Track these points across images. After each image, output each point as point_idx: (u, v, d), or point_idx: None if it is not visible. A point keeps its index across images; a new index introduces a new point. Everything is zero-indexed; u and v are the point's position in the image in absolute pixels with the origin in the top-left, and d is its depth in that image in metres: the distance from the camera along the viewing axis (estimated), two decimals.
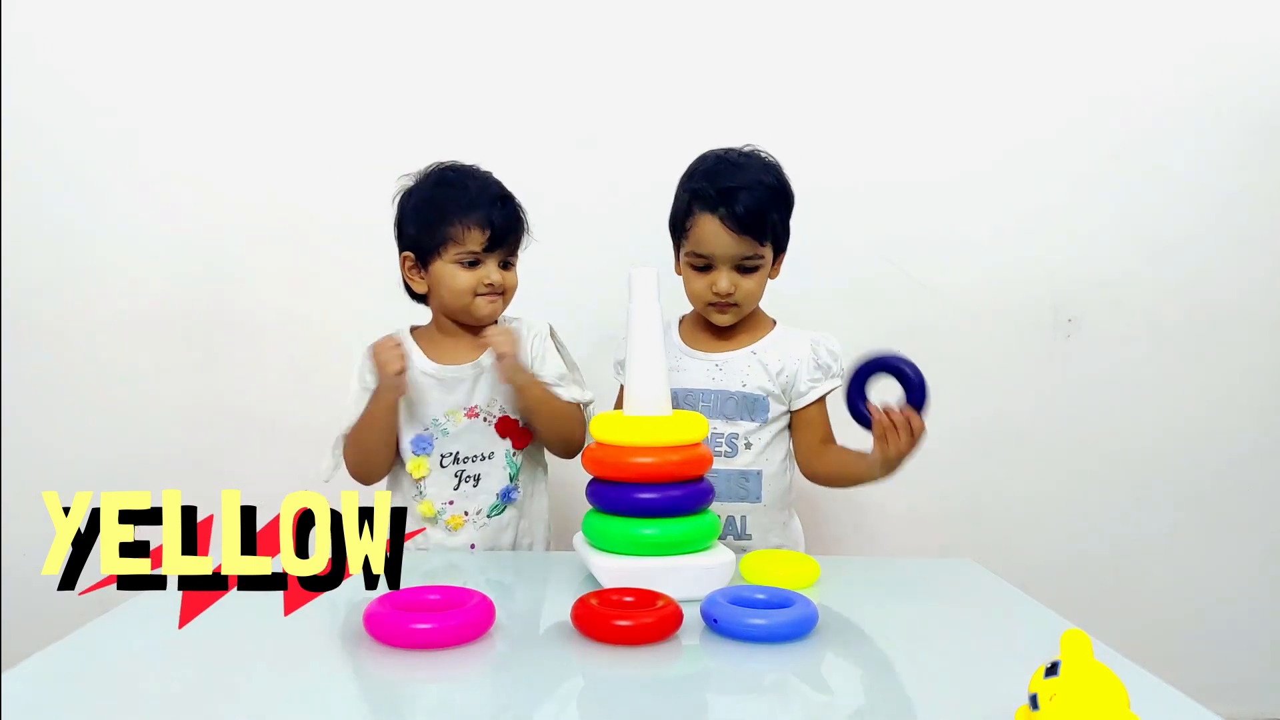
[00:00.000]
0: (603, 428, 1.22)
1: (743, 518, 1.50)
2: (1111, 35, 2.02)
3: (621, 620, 1.01)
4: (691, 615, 1.05)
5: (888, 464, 1.35)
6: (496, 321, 1.52)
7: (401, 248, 1.50)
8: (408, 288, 1.51)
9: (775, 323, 1.55)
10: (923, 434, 1.32)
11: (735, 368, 1.50)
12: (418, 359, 1.48)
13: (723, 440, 1.49)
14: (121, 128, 1.94)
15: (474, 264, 1.45)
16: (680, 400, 1.48)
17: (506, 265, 1.49)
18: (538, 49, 1.96)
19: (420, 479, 1.47)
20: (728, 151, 1.49)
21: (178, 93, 1.94)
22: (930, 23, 2.00)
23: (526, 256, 1.96)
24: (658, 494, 1.17)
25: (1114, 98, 2.03)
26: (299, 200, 1.96)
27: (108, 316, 1.97)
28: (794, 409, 1.51)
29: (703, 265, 1.46)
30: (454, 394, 1.48)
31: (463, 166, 1.51)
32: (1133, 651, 0.98)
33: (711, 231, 1.43)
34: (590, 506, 1.24)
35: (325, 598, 1.22)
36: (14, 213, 1.94)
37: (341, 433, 1.47)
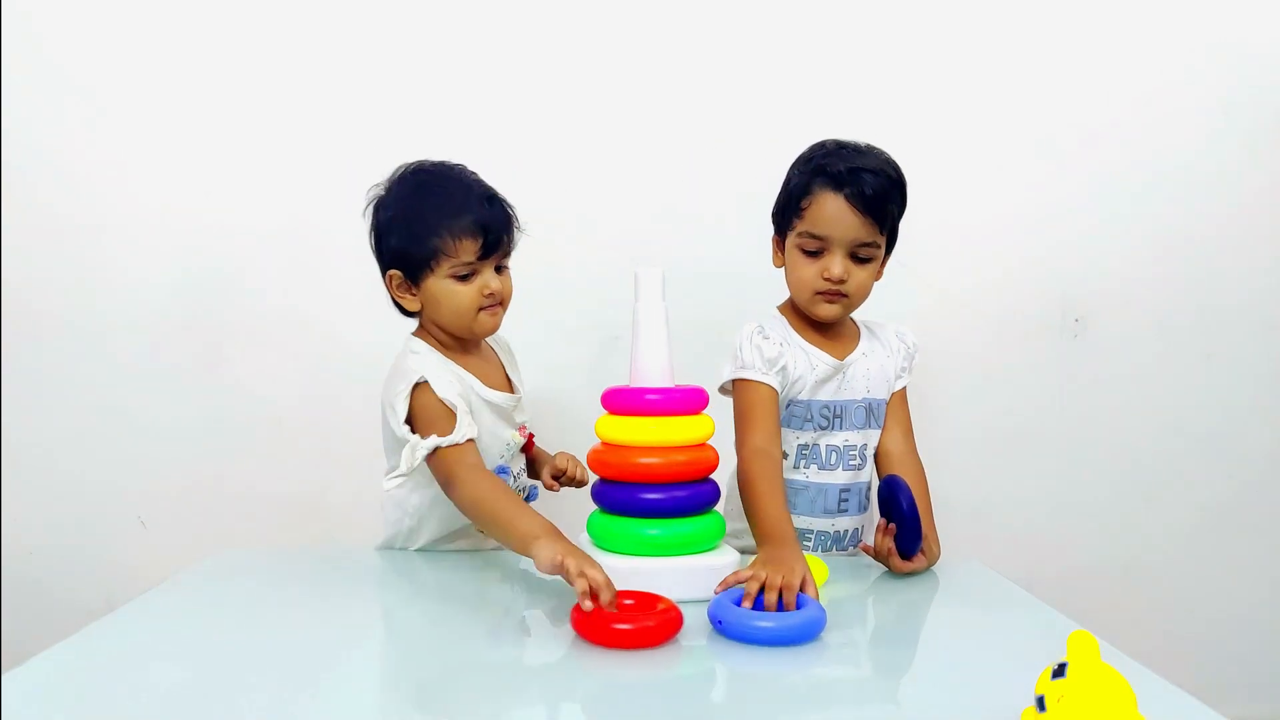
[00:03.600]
0: (609, 428, 1.21)
1: (859, 529, 1.50)
2: (1120, 35, 2.01)
3: (621, 624, 1.00)
4: (699, 617, 1.04)
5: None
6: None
7: (385, 265, 1.39)
8: (397, 304, 1.42)
9: (853, 318, 1.52)
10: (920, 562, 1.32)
11: (856, 374, 1.45)
12: (476, 385, 1.39)
13: (855, 452, 1.46)
14: (124, 127, 1.94)
15: (469, 275, 1.35)
16: (815, 413, 1.44)
17: (500, 269, 1.40)
18: (539, 47, 1.95)
19: None
20: (848, 141, 1.42)
21: (181, 92, 1.94)
22: (939, 22, 1.99)
23: (531, 256, 1.96)
24: (663, 494, 1.17)
25: (1122, 98, 2.02)
26: (303, 200, 1.96)
27: (110, 316, 1.96)
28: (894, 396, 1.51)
29: (815, 249, 1.38)
30: (510, 418, 1.44)
31: (437, 166, 1.40)
32: (1140, 653, 0.98)
33: (834, 210, 1.36)
34: (596, 507, 1.25)
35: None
36: (15, 212, 1.94)
37: (437, 444, 1.27)
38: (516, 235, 1.41)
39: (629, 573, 1.14)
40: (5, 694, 0.85)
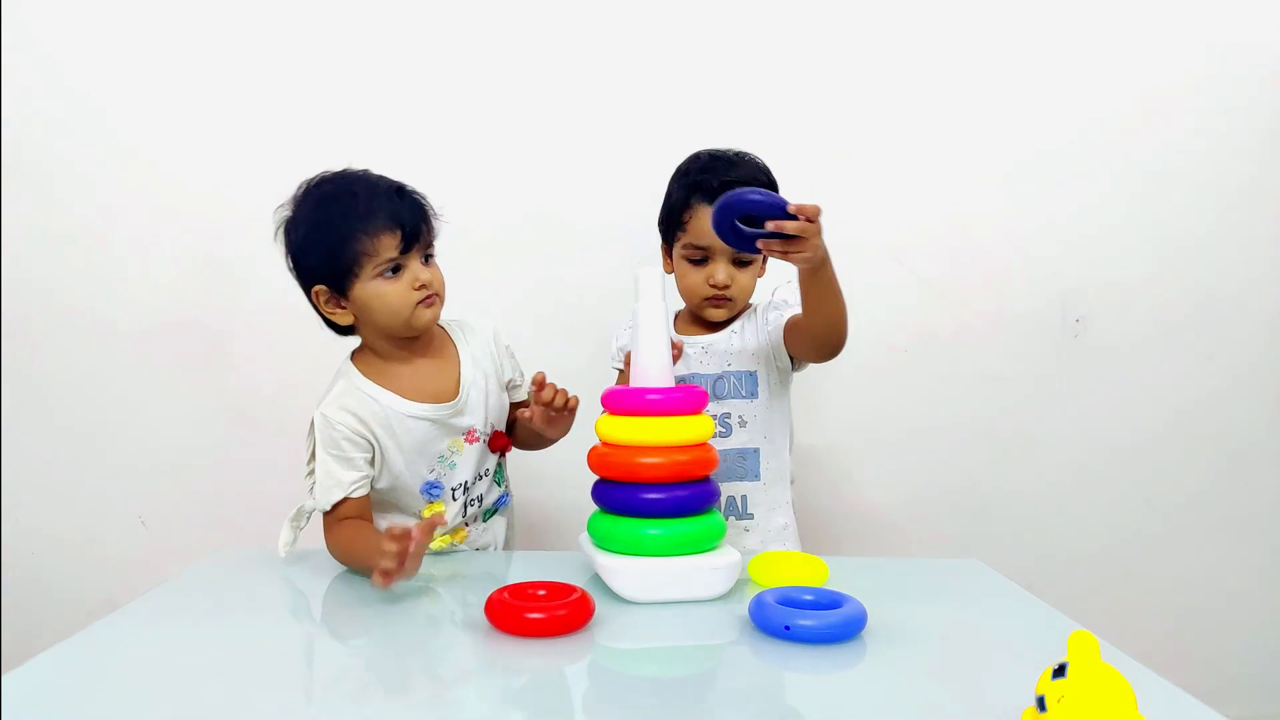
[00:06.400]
0: (609, 428, 1.21)
1: (743, 497, 1.52)
2: (1120, 35, 2.01)
3: (533, 613, 1.03)
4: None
5: (812, 268, 1.27)
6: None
7: (308, 283, 1.37)
8: (328, 323, 1.39)
9: (753, 306, 1.57)
10: (813, 221, 1.20)
11: (719, 348, 1.53)
12: (397, 404, 1.36)
13: (715, 420, 1.49)
14: (126, 126, 1.94)
15: (397, 270, 1.32)
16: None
17: (428, 260, 1.36)
18: (539, 49, 1.96)
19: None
20: (720, 151, 1.52)
21: (182, 91, 1.94)
22: (937, 23, 1.99)
23: (531, 256, 1.97)
24: (664, 494, 1.17)
25: (1123, 98, 2.02)
26: None
27: (111, 316, 1.97)
28: (782, 330, 1.48)
29: (700, 258, 1.48)
30: (451, 426, 1.40)
31: (337, 176, 1.37)
32: (1141, 653, 0.98)
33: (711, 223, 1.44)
34: (596, 507, 1.25)
35: (332, 601, 1.22)
36: (17, 212, 1.94)
37: (311, 509, 1.36)
38: (435, 225, 1.37)
39: (630, 573, 1.14)
40: (5, 694, 0.85)
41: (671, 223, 1.52)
